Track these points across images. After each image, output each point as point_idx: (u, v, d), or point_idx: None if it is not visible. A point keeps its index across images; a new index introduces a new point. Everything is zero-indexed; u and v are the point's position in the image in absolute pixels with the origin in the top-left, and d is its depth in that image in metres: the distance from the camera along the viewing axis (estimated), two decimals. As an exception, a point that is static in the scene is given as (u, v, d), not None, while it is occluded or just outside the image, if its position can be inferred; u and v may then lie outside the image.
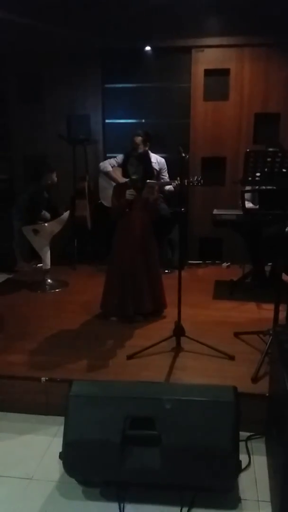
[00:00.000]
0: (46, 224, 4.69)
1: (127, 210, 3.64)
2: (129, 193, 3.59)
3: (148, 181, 3.70)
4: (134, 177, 3.64)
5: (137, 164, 3.68)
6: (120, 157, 5.05)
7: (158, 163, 5.29)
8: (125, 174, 3.77)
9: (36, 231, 4.65)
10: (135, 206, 3.65)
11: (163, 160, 5.33)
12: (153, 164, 5.10)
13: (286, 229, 3.46)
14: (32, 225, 4.64)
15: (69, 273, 5.18)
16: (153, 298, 3.81)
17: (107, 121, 5.82)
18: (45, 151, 5.82)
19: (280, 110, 5.39)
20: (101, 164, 5.32)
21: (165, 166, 5.35)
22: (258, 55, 5.32)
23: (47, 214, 4.78)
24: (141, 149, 4.96)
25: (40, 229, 4.66)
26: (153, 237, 3.83)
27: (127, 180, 3.73)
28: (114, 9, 5.24)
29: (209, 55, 5.41)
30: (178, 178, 4.97)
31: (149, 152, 5.05)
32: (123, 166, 3.82)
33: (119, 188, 3.81)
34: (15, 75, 5.78)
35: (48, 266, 4.79)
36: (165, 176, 5.33)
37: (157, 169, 5.25)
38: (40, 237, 4.69)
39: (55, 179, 4.85)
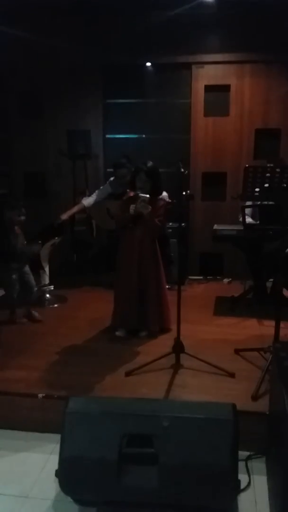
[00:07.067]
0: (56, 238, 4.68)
1: (130, 225, 3.59)
2: (132, 208, 3.54)
3: (140, 194, 3.52)
4: (140, 193, 3.53)
5: (145, 179, 3.57)
6: (102, 189, 5.03)
7: None
8: (132, 187, 3.68)
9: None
10: (139, 222, 3.59)
11: None
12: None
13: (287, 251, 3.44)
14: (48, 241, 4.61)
15: (68, 288, 5.15)
16: (155, 317, 3.76)
17: (107, 136, 5.87)
18: (46, 166, 5.87)
19: (280, 126, 5.43)
20: (84, 202, 5.04)
21: None
22: (258, 71, 5.38)
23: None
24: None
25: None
26: (155, 255, 3.75)
27: (136, 192, 3.61)
28: (115, 26, 5.32)
29: (209, 71, 5.47)
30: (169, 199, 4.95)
31: None
32: (132, 179, 3.72)
33: (127, 201, 3.67)
34: (16, 91, 5.84)
35: (47, 282, 4.76)
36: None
37: None
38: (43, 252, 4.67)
39: (20, 218, 3.98)
